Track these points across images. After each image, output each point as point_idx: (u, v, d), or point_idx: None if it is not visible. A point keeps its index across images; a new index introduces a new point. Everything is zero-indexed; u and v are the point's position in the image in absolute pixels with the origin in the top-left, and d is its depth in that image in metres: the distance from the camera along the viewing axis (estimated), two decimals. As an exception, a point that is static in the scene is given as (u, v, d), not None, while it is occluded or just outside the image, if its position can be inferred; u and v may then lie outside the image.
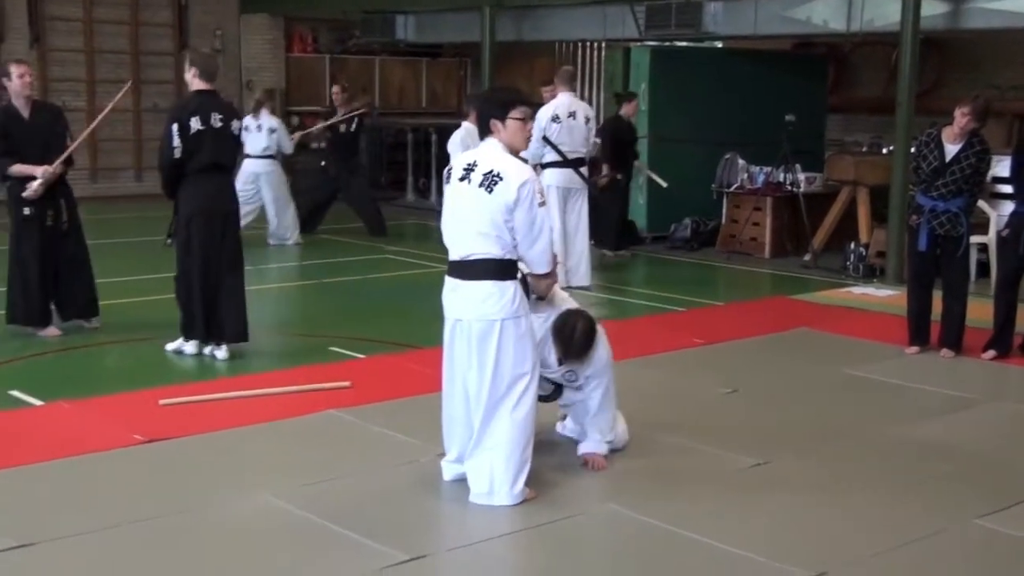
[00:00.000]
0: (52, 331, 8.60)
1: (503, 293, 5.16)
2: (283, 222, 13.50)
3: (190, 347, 8.02)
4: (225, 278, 7.93)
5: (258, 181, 13.29)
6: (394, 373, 7.59)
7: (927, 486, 5.71)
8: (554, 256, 5.42)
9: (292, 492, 5.37)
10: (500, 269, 5.18)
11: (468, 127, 10.65)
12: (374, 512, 5.19)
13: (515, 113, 5.22)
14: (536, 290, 5.52)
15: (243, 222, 13.10)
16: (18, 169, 8.29)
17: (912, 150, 10.37)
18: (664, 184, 13.15)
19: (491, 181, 5.10)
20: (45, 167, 8.26)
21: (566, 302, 5.83)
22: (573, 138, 10.64)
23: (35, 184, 8.25)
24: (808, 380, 7.67)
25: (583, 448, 5.86)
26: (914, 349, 8.38)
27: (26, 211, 8.35)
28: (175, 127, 7.61)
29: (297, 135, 14.69)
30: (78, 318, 8.76)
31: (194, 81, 7.84)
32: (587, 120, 10.82)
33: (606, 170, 12.79)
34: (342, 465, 5.79)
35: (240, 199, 13.06)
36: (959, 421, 6.85)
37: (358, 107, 14.42)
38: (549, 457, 5.84)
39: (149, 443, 6.06)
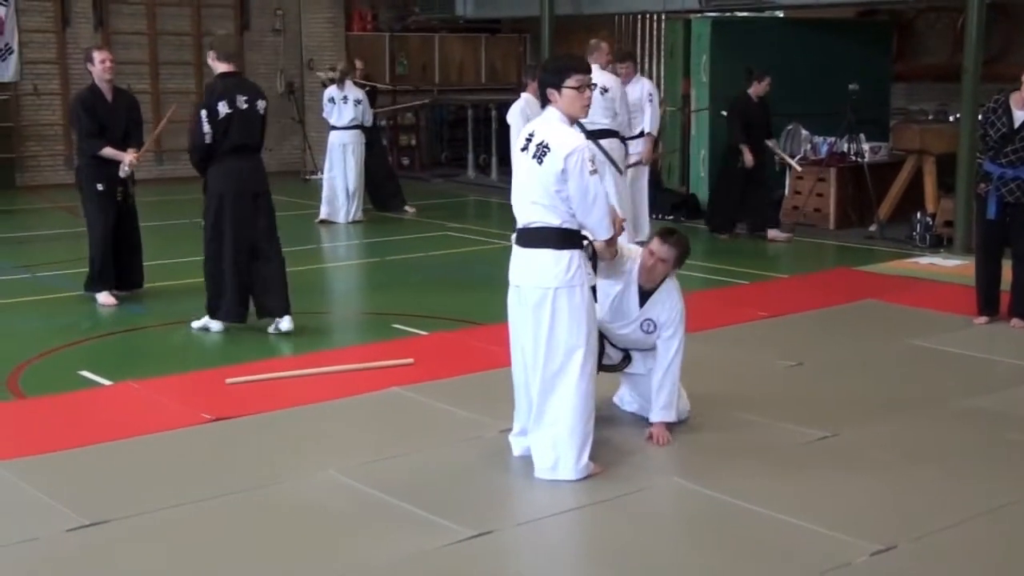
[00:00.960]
0: (111, 299, 8.92)
1: (558, 262, 5.17)
2: (356, 196, 13.53)
3: (216, 325, 8.11)
4: (262, 256, 8.04)
5: (346, 151, 13.39)
6: (457, 350, 7.61)
7: (997, 458, 5.63)
8: (618, 221, 5.40)
9: (358, 469, 5.41)
10: (559, 237, 5.17)
11: (527, 97, 10.56)
12: (439, 488, 5.21)
13: (570, 81, 5.18)
14: (602, 256, 5.52)
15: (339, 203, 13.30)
16: (110, 152, 8.79)
17: (979, 117, 10.20)
18: (799, 168, 12.84)
19: (541, 152, 5.12)
20: (131, 157, 8.81)
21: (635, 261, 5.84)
22: (591, 109, 10.22)
23: (125, 167, 8.82)
24: (874, 352, 7.58)
25: (653, 418, 5.84)
26: (983, 319, 8.25)
27: (99, 187, 8.85)
28: (204, 113, 7.78)
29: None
30: (133, 288, 9.25)
31: (216, 64, 7.96)
32: (604, 90, 10.06)
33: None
34: (406, 442, 5.82)
35: (331, 171, 13.29)
36: (1030, 392, 6.74)
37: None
38: (611, 431, 5.83)
39: (216, 422, 6.13)
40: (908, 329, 8.10)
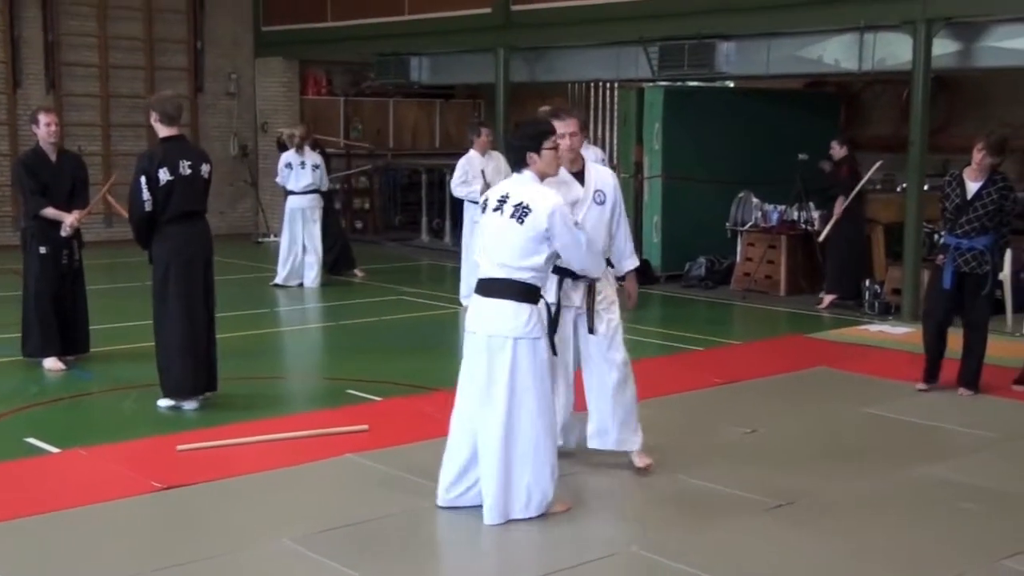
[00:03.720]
0: (58, 364, 8.81)
1: (519, 314, 5.37)
2: (308, 260, 13.47)
3: (189, 404, 7.73)
4: (207, 327, 7.78)
5: (305, 216, 13.35)
6: (412, 416, 7.56)
7: (950, 527, 5.66)
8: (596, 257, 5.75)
9: (312, 538, 5.34)
10: (521, 292, 5.40)
11: (473, 154, 11.53)
12: (394, 557, 5.16)
13: (548, 143, 5.51)
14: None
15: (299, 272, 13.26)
16: (51, 212, 8.70)
17: (925, 187, 10.35)
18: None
19: (522, 212, 5.36)
20: (74, 216, 8.73)
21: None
22: None
23: (66, 227, 8.73)
24: (828, 419, 7.62)
25: (625, 268, 6.38)
26: (924, 386, 8.33)
27: (42, 250, 8.77)
28: (143, 180, 7.43)
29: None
30: (78, 353, 9.11)
31: (158, 127, 7.64)
32: None
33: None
34: (361, 509, 5.76)
35: (288, 236, 13.18)
36: (980, 460, 6.79)
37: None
38: (571, 497, 5.81)
39: (167, 490, 6.03)
40: (861, 396, 8.16)
